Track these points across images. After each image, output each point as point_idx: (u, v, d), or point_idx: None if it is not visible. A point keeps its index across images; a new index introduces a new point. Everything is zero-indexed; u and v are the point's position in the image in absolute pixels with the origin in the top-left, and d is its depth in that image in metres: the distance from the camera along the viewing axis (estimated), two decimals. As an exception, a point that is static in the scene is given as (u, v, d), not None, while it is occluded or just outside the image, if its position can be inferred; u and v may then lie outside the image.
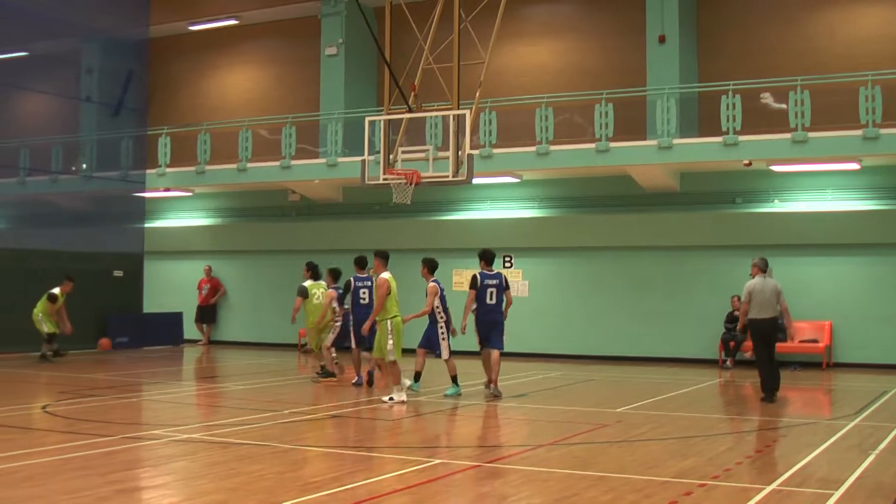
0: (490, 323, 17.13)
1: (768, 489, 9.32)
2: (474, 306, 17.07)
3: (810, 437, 12.72)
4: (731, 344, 23.14)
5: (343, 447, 11.70)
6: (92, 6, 30.93)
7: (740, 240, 24.10)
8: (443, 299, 17.13)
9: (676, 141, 23.28)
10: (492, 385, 16.96)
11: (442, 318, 17.06)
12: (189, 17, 32.14)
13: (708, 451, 11.79)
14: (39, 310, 23.34)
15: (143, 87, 33.32)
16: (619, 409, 15.34)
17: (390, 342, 15.86)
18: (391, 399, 15.74)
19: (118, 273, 27.17)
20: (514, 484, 9.66)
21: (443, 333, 17.06)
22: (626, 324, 25.33)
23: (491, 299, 17.13)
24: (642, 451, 11.59)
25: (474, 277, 17.26)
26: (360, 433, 13.53)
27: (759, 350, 16.71)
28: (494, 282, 17.24)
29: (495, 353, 16.99)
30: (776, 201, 24.28)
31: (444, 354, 17.06)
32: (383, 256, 16.56)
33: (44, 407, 14.92)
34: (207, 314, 30.84)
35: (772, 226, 24.10)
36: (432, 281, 17.11)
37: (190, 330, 30.24)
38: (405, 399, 15.72)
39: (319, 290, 19.36)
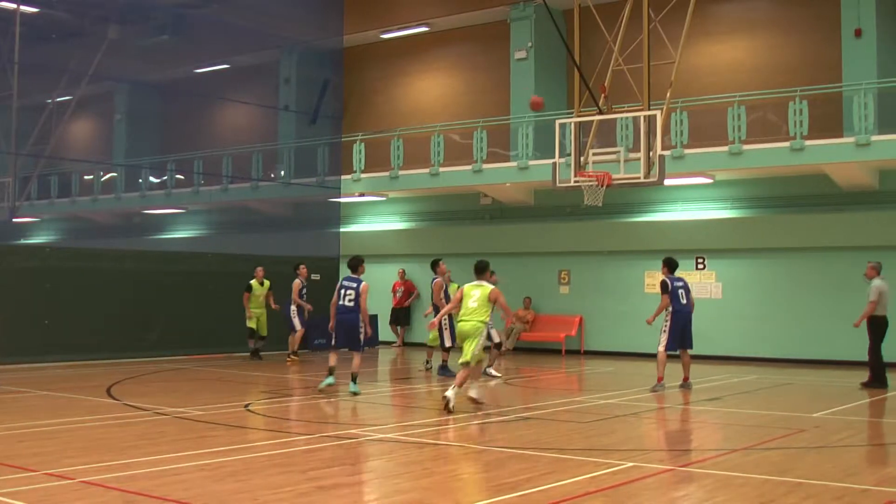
0: (687, 323, 18.18)
1: (977, 499, 8.99)
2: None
3: None
4: None
5: (535, 448, 11.77)
6: (289, 19, 31.97)
7: (946, 239, 23.18)
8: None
9: (875, 137, 22.51)
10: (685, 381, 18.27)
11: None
12: (381, 26, 32.81)
13: (911, 458, 11.44)
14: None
15: (339, 96, 34.23)
16: (816, 414, 14.98)
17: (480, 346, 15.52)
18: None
19: (315, 277, 27.89)
20: (709, 489, 9.56)
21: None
22: (824, 326, 24.62)
23: (683, 300, 18.13)
24: (842, 458, 11.29)
25: (665, 283, 18.14)
26: (552, 435, 13.57)
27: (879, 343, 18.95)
28: (681, 283, 18.29)
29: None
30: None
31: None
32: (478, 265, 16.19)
33: (246, 405, 15.47)
34: (402, 316, 31.41)
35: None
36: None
37: (385, 332, 30.85)
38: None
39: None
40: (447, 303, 19.66)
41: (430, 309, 22.07)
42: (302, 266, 24.10)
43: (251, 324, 24.37)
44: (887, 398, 17.61)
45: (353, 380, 17.07)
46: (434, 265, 21.11)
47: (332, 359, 17.37)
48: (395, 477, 10.20)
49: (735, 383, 20.04)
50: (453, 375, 20.11)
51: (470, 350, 15.18)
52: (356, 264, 17.44)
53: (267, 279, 24.54)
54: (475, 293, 15.57)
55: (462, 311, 15.56)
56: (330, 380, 17.18)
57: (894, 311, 19.53)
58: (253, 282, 24.38)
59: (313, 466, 10.59)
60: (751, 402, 17.22)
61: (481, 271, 15.95)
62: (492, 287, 15.69)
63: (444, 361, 20.61)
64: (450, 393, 14.77)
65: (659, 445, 12.92)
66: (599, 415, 15.10)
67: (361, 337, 17.09)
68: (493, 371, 20.50)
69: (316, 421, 14.38)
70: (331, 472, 10.39)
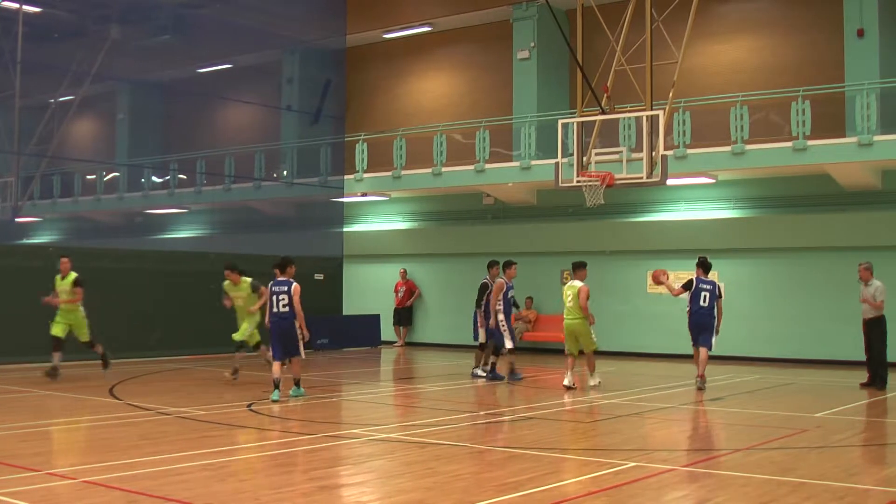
0: (701, 325, 18.28)
1: (979, 499, 8.98)
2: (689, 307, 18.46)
3: None
4: None
5: (538, 448, 11.78)
6: (292, 18, 31.97)
7: (948, 239, 23.14)
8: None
9: (877, 137, 22.49)
10: (698, 378, 18.12)
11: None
12: (384, 26, 32.79)
13: (913, 458, 11.43)
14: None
15: (341, 95, 34.22)
16: (818, 414, 14.98)
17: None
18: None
19: (319, 276, 27.88)
20: (711, 488, 9.57)
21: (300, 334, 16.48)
22: (826, 326, 24.59)
23: (704, 302, 18.26)
24: (844, 458, 11.30)
25: (690, 281, 18.53)
26: (555, 435, 13.59)
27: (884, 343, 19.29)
28: (708, 287, 18.47)
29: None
30: None
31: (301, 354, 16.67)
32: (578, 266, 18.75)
33: (249, 405, 15.47)
34: (404, 316, 31.41)
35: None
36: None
37: (387, 332, 30.85)
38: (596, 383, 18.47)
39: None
40: (502, 306, 19.74)
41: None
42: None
43: (55, 330, 19.60)
44: (888, 398, 17.60)
45: (297, 384, 16.66)
46: (490, 266, 20.50)
47: (276, 371, 16.16)
48: (397, 477, 10.20)
49: (737, 383, 20.03)
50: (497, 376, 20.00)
51: (589, 341, 18.47)
52: (285, 265, 16.62)
53: (74, 271, 19.73)
54: (569, 293, 18.26)
55: (565, 311, 18.38)
56: (275, 395, 16.04)
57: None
58: (57, 277, 19.83)
59: (315, 466, 10.61)
60: (753, 401, 17.22)
61: (575, 270, 18.57)
62: (580, 285, 18.17)
63: (477, 363, 20.41)
64: (592, 381, 18.45)
65: (661, 445, 12.90)
66: (602, 415, 15.11)
67: (300, 341, 16.34)
68: (479, 371, 20.49)
69: (318, 421, 14.38)
70: (333, 472, 10.41)
